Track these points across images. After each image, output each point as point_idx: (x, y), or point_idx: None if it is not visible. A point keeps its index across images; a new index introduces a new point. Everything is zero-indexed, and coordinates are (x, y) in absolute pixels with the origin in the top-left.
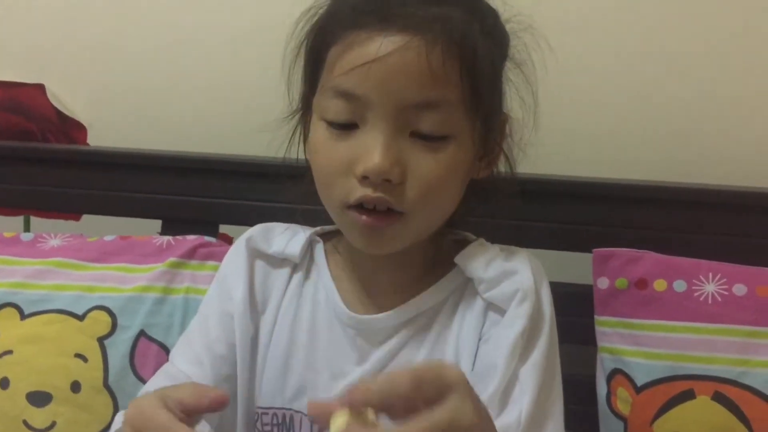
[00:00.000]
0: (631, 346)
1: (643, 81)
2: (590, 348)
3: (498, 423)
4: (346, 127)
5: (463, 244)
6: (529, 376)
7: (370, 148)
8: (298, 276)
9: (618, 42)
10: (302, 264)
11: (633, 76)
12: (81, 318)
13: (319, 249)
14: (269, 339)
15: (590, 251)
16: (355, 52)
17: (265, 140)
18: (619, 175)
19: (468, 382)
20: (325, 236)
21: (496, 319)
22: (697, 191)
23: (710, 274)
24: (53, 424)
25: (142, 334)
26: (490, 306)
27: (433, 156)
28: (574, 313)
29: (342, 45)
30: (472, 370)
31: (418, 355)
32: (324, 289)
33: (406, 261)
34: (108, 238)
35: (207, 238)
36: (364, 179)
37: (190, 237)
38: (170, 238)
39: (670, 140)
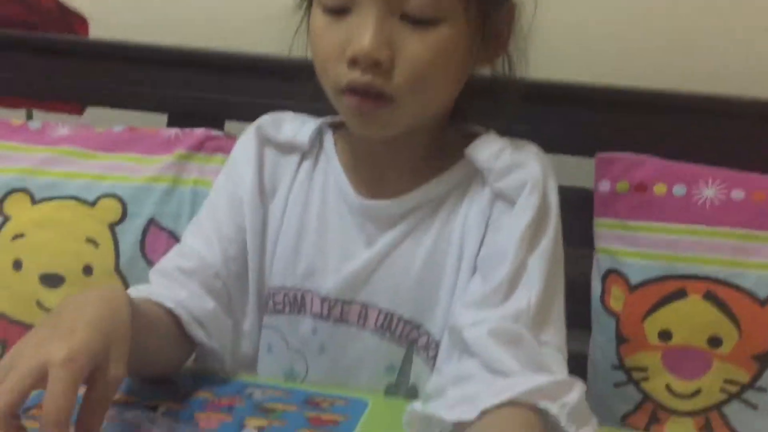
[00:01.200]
0: (628, 246)
1: None
2: (585, 249)
3: (507, 310)
4: (341, 12)
5: (471, 138)
6: (536, 265)
7: (360, 32)
8: (307, 163)
9: None
10: (311, 152)
11: None
12: (92, 205)
13: (328, 137)
14: (280, 224)
15: (593, 156)
16: None
17: (272, 36)
18: (624, 82)
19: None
20: (334, 126)
21: (504, 209)
22: (700, 99)
23: (710, 180)
24: None
25: (152, 222)
26: (498, 196)
27: (422, 39)
28: (572, 216)
29: None
30: (478, 256)
31: (425, 240)
32: (333, 175)
33: (410, 150)
34: (116, 129)
35: (214, 132)
36: (354, 63)
37: (198, 130)
38: (178, 130)
39: (673, 47)
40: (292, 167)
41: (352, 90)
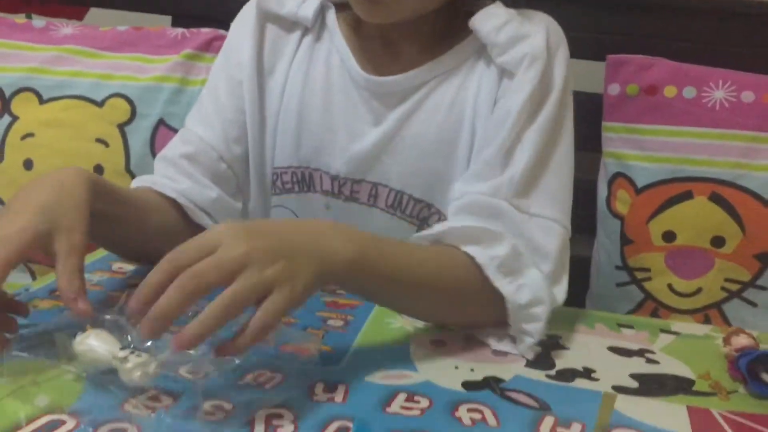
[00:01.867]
0: (635, 150)
1: None
2: (591, 154)
3: (495, 182)
4: None
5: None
6: (531, 137)
7: None
8: (308, 39)
9: None
10: (314, 28)
11: None
12: (100, 105)
13: (331, 14)
14: (280, 101)
15: (601, 59)
16: None
17: None
18: None
19: (234, 227)
20: (336, 6)
21: (509, 84)
22: (713, 0)
23: (720, 81)
24: None
25: (161, 122)
26: (504, 72)
27: None
28: (580, 120)
29: None
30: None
31: (436, 116)
32: (337, 52)
33: (418, 29)
34: (121, 28)
35: (221, 32)
36: None
37: (205, 30)
38: (184, 30)
39: None
40: (293, 43)
41: None
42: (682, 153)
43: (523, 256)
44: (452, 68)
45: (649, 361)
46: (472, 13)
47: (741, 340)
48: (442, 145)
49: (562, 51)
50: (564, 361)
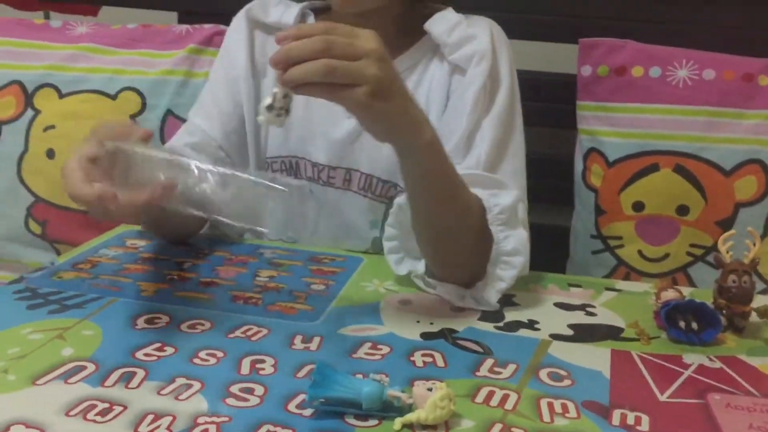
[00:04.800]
0: (606, 127)
1: None
2: (569, 131)
3: (467, 163)
4: None
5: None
6: (489, 125)
7: None
8: None
9: None
10: None
11: None
12: (114, 97)
13: (311, 20)
14: None
15: (573, 42)
16: None
17: None
18: None
19: (383, 51)
20: (315, 10)
21: (461, 79)
22: None
23: (684, 61)
24: None
25: (169, 112)
26: (456, 68)
27: None
28: (559, 100)
29: None
30: (441, 120)
31: None
32: None
33: (381, 27)
34: (130, 26)
35: (222, 27)
36: None
37: (207, 26)
38: (188, 26)
39: None
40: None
41: None
42: (648, 128)
43: (519, 212)
44: (411, 65)
45: (588, 313)
46: (427, 17)
47: (669, 294)
48: None
49: (506, 49)
50: (512, 315)
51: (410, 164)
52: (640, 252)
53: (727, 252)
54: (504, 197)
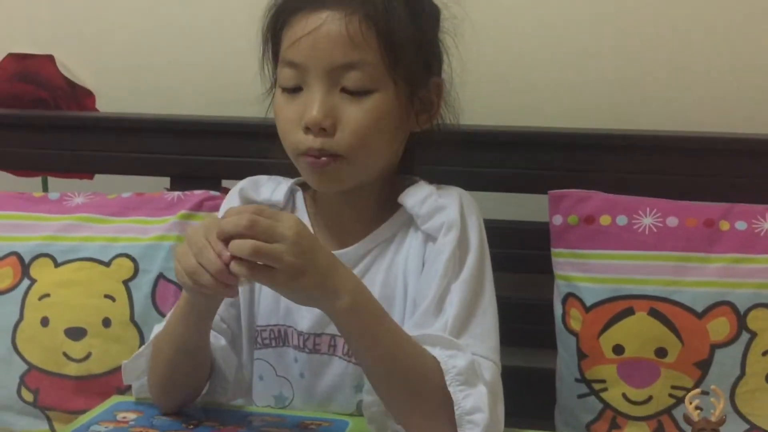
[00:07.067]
0: (581, 273)
1: (583, 35)
2: (548, 276)
3: (432, 329)
4: (295, 91)
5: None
6: (458, 289)
7: (310, 105)
8: None
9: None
10: (286, 209)
11: (573, 33)
12: (107, 264)
13: (299, 196)
14: None
15: (545, 192)
16: (295, 29)
17: (256, 104)
18: (566, 124)
19: (299, 234)
20: (303, 186)
21: (433, 246)
22: (635, 137)
23: (647, 209)
24: (89, 355)
25: (161, 276)
26: (429, 237)
27: (359, 107)
28: (535, 247)
29: (289, 26)
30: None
31: (377, 278)
32: None
33: (364, 201)
34: (125, 195)
35: (212, 192)
36: (307, 130)
37: (197, 192)
38: (179, 193)
39: (609, 88)
40: None
41: (309, 153)
42: (621, 274)
43: (478, 372)
44: (389, 237)
45: None
46: (400, 190)
47: None
48: (383, 301)
49: (475, 217)
50: None
51: (337, 326)
52: (624, 395)
53: (696, 409)
54: (460, 359)
